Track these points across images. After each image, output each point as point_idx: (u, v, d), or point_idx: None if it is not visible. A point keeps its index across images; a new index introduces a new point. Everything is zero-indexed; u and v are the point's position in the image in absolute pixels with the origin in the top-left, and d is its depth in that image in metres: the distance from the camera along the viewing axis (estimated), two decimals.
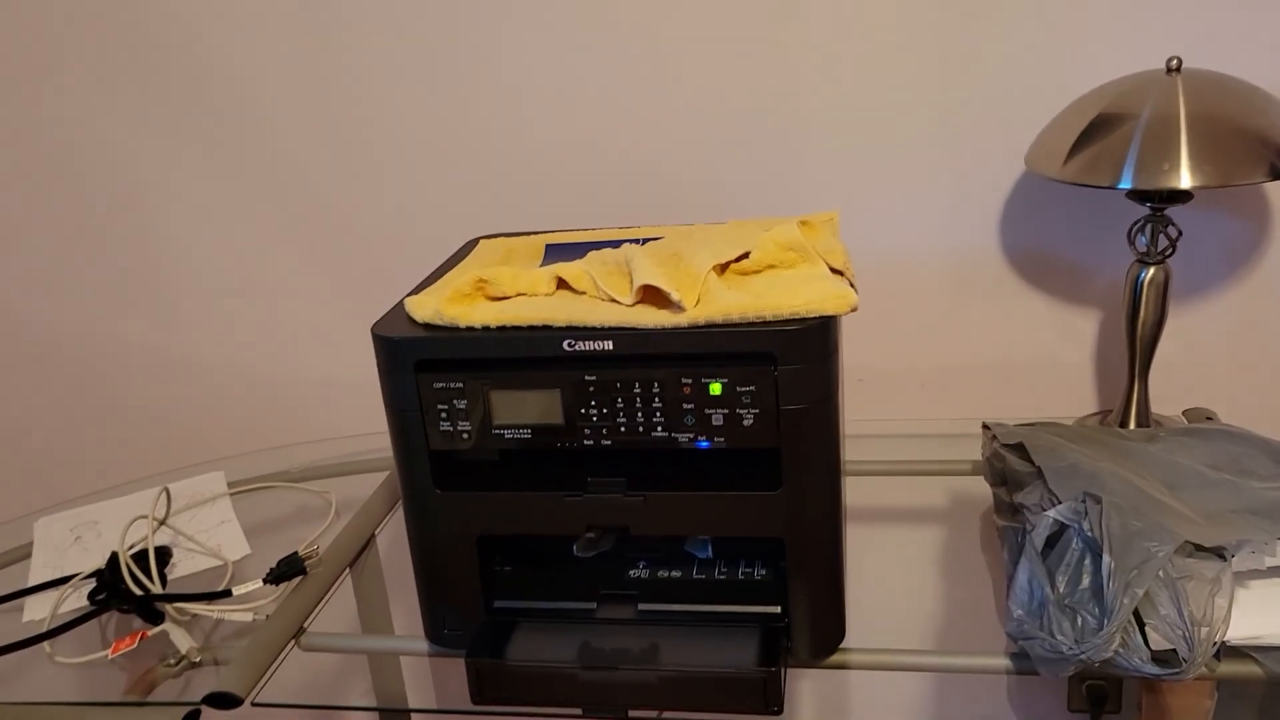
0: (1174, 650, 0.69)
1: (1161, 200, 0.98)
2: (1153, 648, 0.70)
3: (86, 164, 1.28)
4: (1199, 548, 0.72)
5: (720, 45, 1.11)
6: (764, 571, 0.82)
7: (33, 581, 0.99)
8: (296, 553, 0.95)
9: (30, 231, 1.33)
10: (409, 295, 0.80)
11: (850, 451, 1.07)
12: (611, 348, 0.73)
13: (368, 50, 1.17)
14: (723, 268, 0.77)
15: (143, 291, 1.34)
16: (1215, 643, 0.69)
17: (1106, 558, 0.71)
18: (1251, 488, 0.82)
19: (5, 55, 1.24)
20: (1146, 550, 0.71)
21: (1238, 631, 0.71)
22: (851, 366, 1.20)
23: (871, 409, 1.22)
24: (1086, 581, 0.73)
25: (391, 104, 1.19)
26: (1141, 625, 0.70)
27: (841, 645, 0.81)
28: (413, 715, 1.34)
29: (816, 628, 0.79)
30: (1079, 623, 0.71)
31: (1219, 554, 0.72)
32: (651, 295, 0.73)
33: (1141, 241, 1.01)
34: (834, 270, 0.79)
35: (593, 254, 0.80)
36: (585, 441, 0.76)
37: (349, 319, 1.27)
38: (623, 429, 0.75)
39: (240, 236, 1.29)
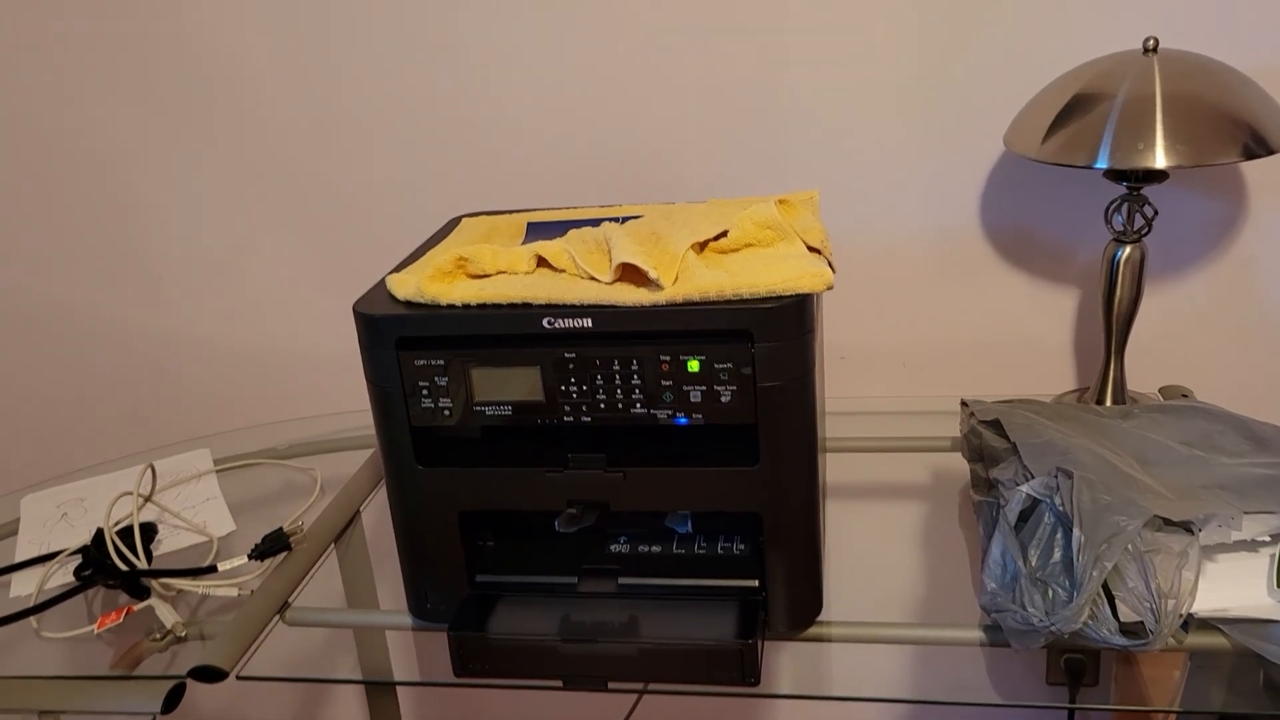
0: (1141, 622, 0.70)
1: (1138, 180, 0.99)
2: (1121, 620, 0.71)
3: (70, 140, 1.28)
4: (1167, 522, 0.73)
5: (703, 26, 1.11)
6: (742, 546, 0.83)
7: (19, 558, 1.00)
8: (281, 529, 0.95)
9: (13, 207, 1.33)
10: (390, 273, 0.81)
11: (831, 428, 1.08)
12: (591, 325, 0.73)
13: (353, 27, 1.17)
14: (701, 246, 0.78)
15: (128, 268, 1.34)
16: (1181, 615, 0.70)
17: (1076, 531, 0.72)
18: (1222, 464, 0.84)
19: None
20: (1116, 524, 0.72)
21: (1205, 604, 0.73)
22: (833, 345, 1.21)
23: (853, 387, 1.23)
24: (1058, 555, 0.74)
25: (376, 82, 1.19)
26: (1110, 598, 0.71)
27: (819, 618, 0.83)
28: (397, 688, 1.37)
29: (794, 601, 0.81)
30: (1049, 595, 0.73)
31: (1187, 528, 0.73)
32: (630, 273, 0.74)
33: (1118, 220, 1.02)
34: (811, 249, 0.79)
35: (573, 232, 0.81)
36: (565, 418, 0.77)
37: (335, 296, 1.28)
38: (602, 406, 0.76)
39: (225, 214, 1.29)
